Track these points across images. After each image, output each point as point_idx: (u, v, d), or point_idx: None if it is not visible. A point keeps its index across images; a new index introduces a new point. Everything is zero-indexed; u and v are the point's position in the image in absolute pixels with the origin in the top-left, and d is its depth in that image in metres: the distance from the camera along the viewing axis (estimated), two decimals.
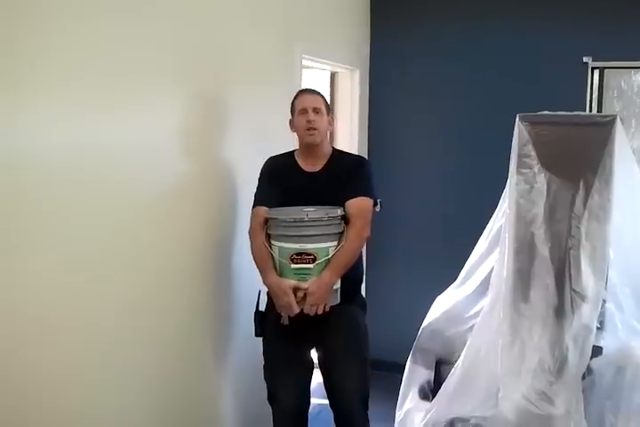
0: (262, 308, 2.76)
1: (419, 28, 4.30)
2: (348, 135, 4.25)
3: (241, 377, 3.06)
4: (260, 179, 2.81)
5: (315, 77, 4.29)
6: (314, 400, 3.06)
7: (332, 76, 4.28)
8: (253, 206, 2.74)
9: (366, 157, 4.42)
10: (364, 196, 2.67)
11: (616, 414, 2.24)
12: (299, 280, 2.55)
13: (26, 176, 1.86)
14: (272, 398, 2.73)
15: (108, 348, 2.20)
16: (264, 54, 3.19)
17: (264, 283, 2.64)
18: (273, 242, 2.63)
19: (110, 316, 2.21)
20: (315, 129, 2.68)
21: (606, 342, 2.41)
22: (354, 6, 4.27)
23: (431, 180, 4.36)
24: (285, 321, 2.61)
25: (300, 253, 2.55)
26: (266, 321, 2.72)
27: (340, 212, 2.60)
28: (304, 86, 3.02)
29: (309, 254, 2.55)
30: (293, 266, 2.56)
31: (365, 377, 2.76)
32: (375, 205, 2.73)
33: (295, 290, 2.53)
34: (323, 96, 2.80)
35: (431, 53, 4.28)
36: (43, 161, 1.90)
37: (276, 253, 2.62)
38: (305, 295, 2.52)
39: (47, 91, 1.91)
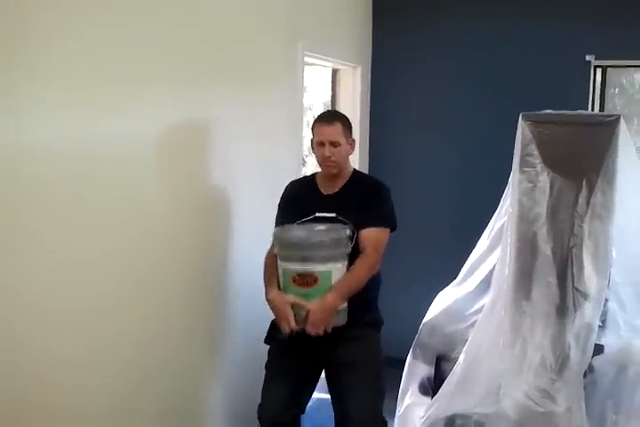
0: None
1: (421, 25, 4.30)
2: None
3: (234, 380, 3.04)
4: (279, 203, 2.81)
5: (317, 74, 4.29)
6: (316, 395, 3.06)
7: (334, 72, 4.28)
8: (275, 226, 2.75)
9: (367, 153, 4.45)
10: (381, 226, 2.63)
11: (617, 412, 2.26)
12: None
13: (27, 172, 1.86)
14: (259, 407, 2.69)
15: (105, 349, 2.20)
16: (266, 51, 3.18)
17: (266, 298, 2.61)
18: (279, 262, 2.59)
19: (109, 314, 2.21)
20: (332, 162, 2.65)
21: (608, 341, 2.43)
22: (356, 3, 4.26)
23: (432, 177, 4.36)
24: (283, 336, 2.56)
25: (301, 275, 2.51)
26: (275, 332, 2.69)
27: (347, 233, 2.54)
28: (321, 113, 2.91)
29: (311, 275, 2.50)
30: (295, 288, 2.52)
31: (378, 402, 2.66)
32: (392, 231, 2.69)
33: (297, 308, 2.50)
34: (343, 120, 2.71)
35: (433, 51, 4.28)
36: (43, 156, 1.90)
37: (280, 273, 2.59)
38: (307, 315, 2.48)
39: (49, 87, 1.91)
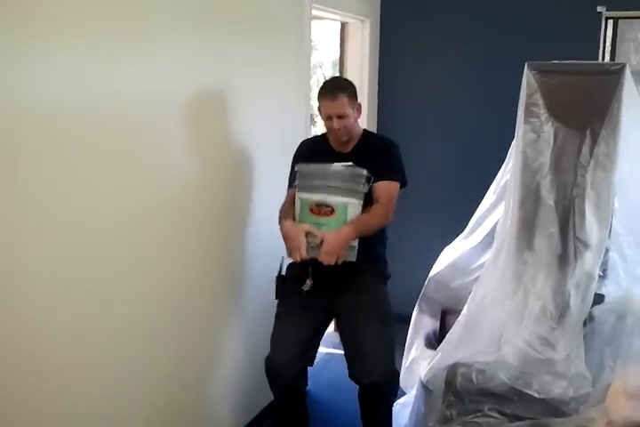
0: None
1: None
2: (358, 87, 4.20)
3: (251, 330, 3.11)
4: (292, 161, 2.86)
5: (327, 31, 4.25)
6: (324, 349, 3.10)
7: (342, 26, 4.23)
8: (288, 188, 2.82)
9: (376, 109, 4.43)
10: (393, 179, 2.70)
11: (615, 359, 2.28)
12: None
13: (40, 131, 1.85)
14: (266, 359, 2.70)
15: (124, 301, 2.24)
16: (272, 3, 3.13)
17: (280, 230, 2.67)
18: (297, 193, 2.69)
19: (132, 272, 2.25)
20: (341, 132, 2.70)
21: (608, 290, 2.45)
22: None
23: (440, 133, 4.34)
24: (307, 287, 2.64)
25: (319, 205, 2.61)
26: (285, 286, 2.76)
27: (365, 173, 2.62)
28: (324, 83, 2.79)
29: (328, 206, 2.59)
30: (311, 216, 2.61)
31: (389, 344, 2.69)
32: (403, 186, 2.75)
33: (311, 237, 2.56)
34: (347, 91, 2.70)
35: (442, 3, 4.22)
36: (51, 110, 1.88)
37: (297, 204, 2.68)
38: (321, 243, 2.53)
39: (56, 38, 1.88)
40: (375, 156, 2.71)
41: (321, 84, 2.79)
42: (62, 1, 1.88)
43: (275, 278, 2.76)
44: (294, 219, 2.68)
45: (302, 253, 2.55)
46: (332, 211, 2.60)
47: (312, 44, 4.59)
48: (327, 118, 2.70)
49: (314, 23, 3.58)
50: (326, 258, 2.54)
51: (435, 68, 4.30)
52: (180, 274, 2.55)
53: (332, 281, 2.67)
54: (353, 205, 2.61)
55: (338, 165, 2.65)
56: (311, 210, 2.62)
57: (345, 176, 2.62)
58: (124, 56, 2.14)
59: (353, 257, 2.62)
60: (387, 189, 2.67)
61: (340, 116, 2.66)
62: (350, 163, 2.67)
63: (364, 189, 2.63)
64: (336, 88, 2.71)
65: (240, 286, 3.06)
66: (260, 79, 3.03)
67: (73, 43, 1.93)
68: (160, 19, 2.32)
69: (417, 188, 4.38)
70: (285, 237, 2.64)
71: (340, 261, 2.56)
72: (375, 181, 2.65)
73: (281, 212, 2.77)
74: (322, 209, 2.61)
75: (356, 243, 2.61)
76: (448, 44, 4.24)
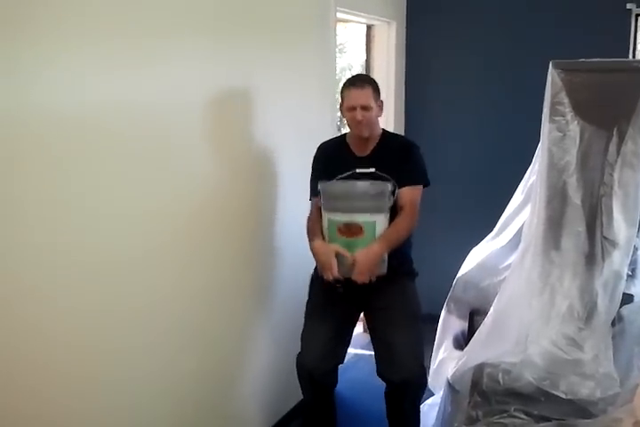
0: None
1: None
2: (385, 89, 4.21)
3: (280, 330, 3.14)
4: (312, 165, 2.87)
5: (356, 34, 4.26)
6: (352, 350, 3.11)
7: (368, 28, 4.24)
8: (310, 197, 2.85)
9: (403, 111, 4.43)
10: (416, 184, 2.70)
11: None
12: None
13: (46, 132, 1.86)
14: (298, 355, 2.77)
15: (158, 304, 2.28)
16: (296, 6, 3.16)
17: (310, 248, 2.69)
18: (324, 214, 2.69)
19: (161, 273, 2.29)
20: (364, 125, 2.69)
21: (638, 290, 2.42)
22: None
23: (468, 131, 4.33)
24: (340, 289, 2.67)
25: (347, 225, 2.60)
26: (314, 284, 2.81)
27: (389, 187, 2.62)
28: (349, 77, 2.83)
29: (356, 225, 2.59)
30: (340, 238, 2.62)
31: (419, 341, 2.73)
32: (426, 186, 2.75)
33: (341, 257, 2.58)
34: (373, 84, 2.73)
35: (469, 3, 4.20)
36: (65, 117, 1.89)
37: (325, 224, 2.68)
38: (354, 263, 2.56)
39: (70, 43, 1.88)
40: (396, 160, 2.70)
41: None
42: (72, 5, 1.89)
43: (310, 277, 2.81)
44: (323, 237, 2.68)
45: (334, 274, 2.58)
46: (361, 229, 2.60)
47: (340, 46, 4.62)
48: (350, 109, 2.68)
49: (342, 26, 3.60)
50: (360, 278, 2.57)
51: (461, 68, 4.29)
52: (210, 277, 2.59)
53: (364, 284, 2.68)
54: (380, 222, 2.62)
55: (362, 184, 2.64)
56: (339, 230, 2.62)
57: (370, 195, 2.62)
58: (144, 61, 2.17)
59: (384, 270, 2.63)
60: (410, 195, 2.68)
61: (364, 108, 2.65)
62: (372, 169, 2.66)
63: (390, 202, 2.64)
64: (361, 80, 2.74)
65: (269, 289, 3.09)
66: (284, 82, 3.06)
67: (90, 46, 1.94)
68: (181, 22, 2.34)
69: (445, 188, 4.39)
70: (316, 257, 2.66)
71: (373, 279, 2.59)
72: (399, 186, 2.66)
73: (308, 226, 2.78)
74: (351, 229, 2.60)
75: (386, 256, 2.62)
76: (474, 44, 4.23)
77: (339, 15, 3.56)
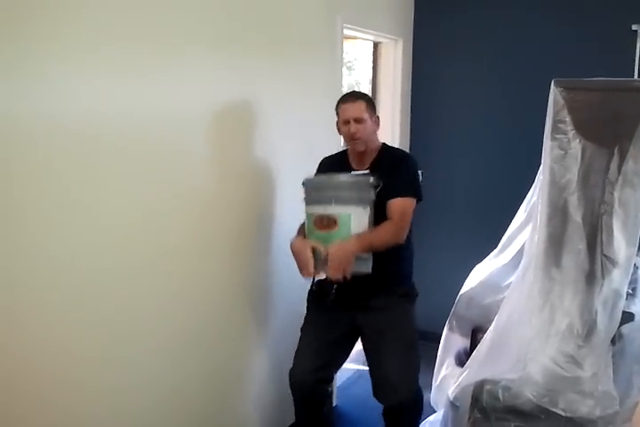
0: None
1: None
2: (390, 106, 4.26)
3: (277, 344, 3.13)
4: None
5: (363, 51, 4.29)
6: (353, 366, 3.10)
7: (375, 46, 4.28)
8: None
9: (408, 128, 4.45)
10: (407, 196, 2.66)
11: None
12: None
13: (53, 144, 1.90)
14: (290, 371, 2.76)
15: (152, 315, 2.30)
16: (303, 23, 3.20)
17: (290, 248, 2.66)
18: (304, 208, 2.68)
19: (155, 282, 2.31)
20: (358, 139, 2.69)
21: (638, 309, 2.41)
22: None
23: (473, 149, 4.34)
24: (332, 296, 2.62)
25: (321, 217, 2.57)
26: (311, 300, 2.81)
27: (370, 180, 2.58)
28: (344, 94, 2.89)
29: (330, 218, 2.55)
30: (316, 231, 2.60)
31: (412, 367, 2.71)
32: (419, 201, 2.71)
33: (317, 252, 2.54)
34: (366, 98, 2.75)
35: (476, 22, 4.24)
36: (71, 128, 1.93)
37: (305, 218, 2.68)
38: (326, 258, 2.51)
39: (75, 56, 1.93)
40: (391, 169, 2.68)
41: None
42: (79, 13, 1.93)
43: (307, 293, 2.80)
44: (304, 236, 2.66)
45: (309, 270, 2.55)
46: (335, 222, 2.54)
47: (349, 63, 4.66)
48: (345, 123, 2.71)
49: (350, 44, 3.62)
50: (333, 274, 2.52)
51: (467, 86, 4.32)
52: (207, 290, 2.61)
53: (359, 300, 2.68)
54: (357, 214, 2.55)
55: (342, 175, 2.63)
56: (315, 224, 2.59)
57: (348, 184, 2.59)
58: (150, 71, 2.20)
59: (367, 269, 2.57)
60: (400, 205, 2.62)
61: (357, 120, 2.67)
62: (367, 171, 2.67)
63: (370, 195, 2.58)
64: (354, 95, 2.77)
65: (267, 302, 3.09)
66: (289, 96, 3.09)
67: (99, 58, 1.99)
68: (191, 37, 2.39)
69: (448, 205, 4.41)
70: (293, 255, 2.62)
71: (348, 276, 2.52)
72: (389, 198, 2.61)
73: (298, 230, 2.78)
74: (324, 222, 2.56)
75: (369, 255, 2.57)
76: (480, 62, 4.26)
77: (346, 32, 3.59)
